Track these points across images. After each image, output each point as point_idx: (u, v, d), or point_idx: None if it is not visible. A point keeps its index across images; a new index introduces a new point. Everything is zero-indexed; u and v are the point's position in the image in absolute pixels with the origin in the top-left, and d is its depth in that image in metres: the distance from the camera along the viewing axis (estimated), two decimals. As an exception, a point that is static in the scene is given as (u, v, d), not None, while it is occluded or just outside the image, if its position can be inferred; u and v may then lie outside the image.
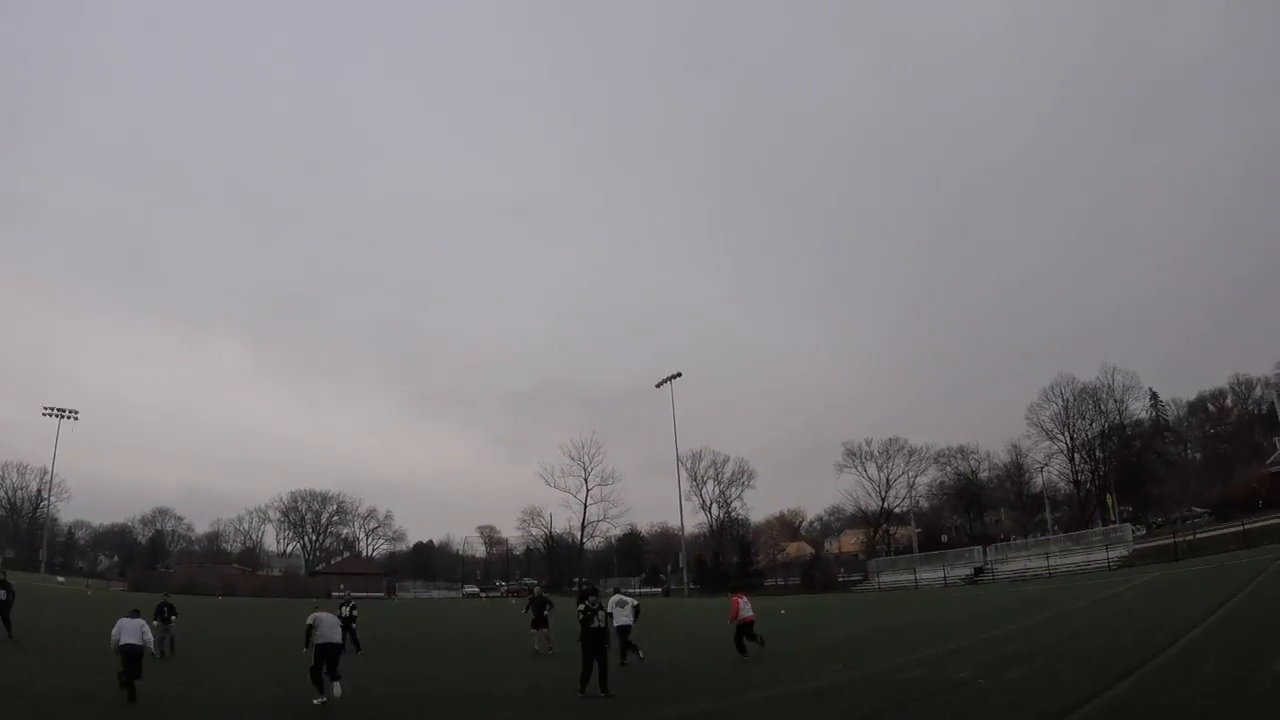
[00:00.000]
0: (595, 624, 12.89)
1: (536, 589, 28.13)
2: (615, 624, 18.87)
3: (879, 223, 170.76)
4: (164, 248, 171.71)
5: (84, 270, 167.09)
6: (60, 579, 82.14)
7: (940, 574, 57.18)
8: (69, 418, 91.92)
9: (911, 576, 59.34)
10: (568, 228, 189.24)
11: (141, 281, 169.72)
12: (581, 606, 13.11)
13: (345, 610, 22.21)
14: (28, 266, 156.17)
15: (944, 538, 77.76)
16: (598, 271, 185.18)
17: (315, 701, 12.53)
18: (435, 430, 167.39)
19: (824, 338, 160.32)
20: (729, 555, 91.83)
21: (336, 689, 12.98)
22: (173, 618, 19.77)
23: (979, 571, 56.73)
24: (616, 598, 19.74)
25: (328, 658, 13.13)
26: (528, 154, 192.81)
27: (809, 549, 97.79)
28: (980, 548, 63.85)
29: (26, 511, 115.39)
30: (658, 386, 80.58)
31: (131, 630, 13.49)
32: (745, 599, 19.33)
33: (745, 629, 18.48)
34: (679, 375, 78.66)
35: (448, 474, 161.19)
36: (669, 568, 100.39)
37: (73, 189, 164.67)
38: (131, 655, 13.14)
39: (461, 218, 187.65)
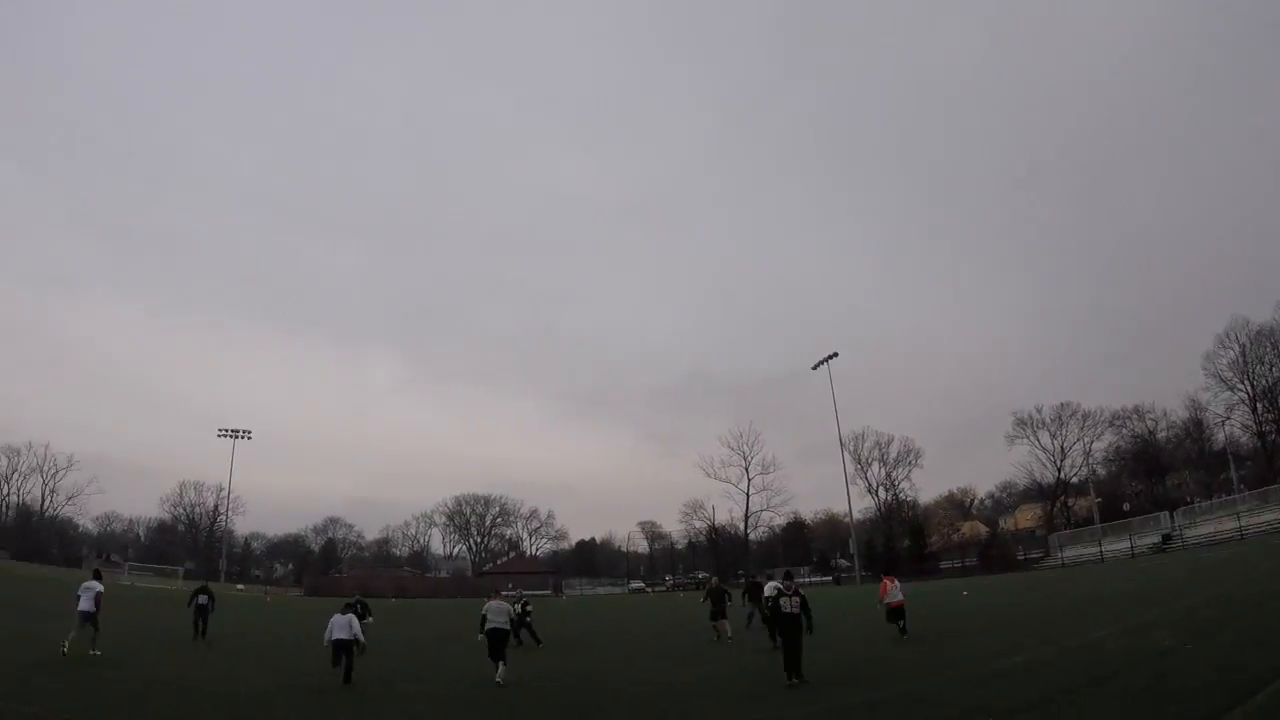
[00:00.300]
0: (788, 609, 13.35)
1: (714, 580, 27.90)
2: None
3: (1022, 174, 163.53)
4: (314, 272, 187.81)
5: (245, 300, 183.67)
6: (239, 587, 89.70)
7: (1126, 544, 54.89)
8: (243, 438, 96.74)
9: (1095, 549, 57.39)
10: (698, 218, 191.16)
11: (298, 306, 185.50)
12: (773, 593, 14.04)
13: (519, 608, 24.07)
14: (192, 299, 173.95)
15: (1126, 506, 74.07)
16: (733, 260, 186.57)
17: (496, 679, 14.82)
18: (585, 430, 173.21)
19: (979, 304, 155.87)
20: (899, 539, 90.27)
21: (500, 670, 15.17)
22: (368, 617, 20.79)
23: (1167, 539, 54.19)
24: (772, 585, 22.19)
25: (495, 642, 15.63)
26: (652, 148, 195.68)
27: (983, 528, 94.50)
28: (1166, 513, 60.51)
29: (204, 526, 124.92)
30: (814, 368, 79.04)
31: (341, 626, 15.60)
32: (896, 582, 20.31)
33: (894, 613, 19.29)
34: (835, 355, 76.75)
35: (603, 472, 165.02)
36: (837, 555, 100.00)
37: (224, 223, 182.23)
38: (341, 648, 15.37)
39: (592, 218, 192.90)
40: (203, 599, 24.24)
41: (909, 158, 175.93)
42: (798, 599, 13.48)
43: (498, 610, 16.29)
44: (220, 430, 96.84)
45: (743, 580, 29.63)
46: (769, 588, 23.17)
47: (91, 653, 17.41)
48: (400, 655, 21.20)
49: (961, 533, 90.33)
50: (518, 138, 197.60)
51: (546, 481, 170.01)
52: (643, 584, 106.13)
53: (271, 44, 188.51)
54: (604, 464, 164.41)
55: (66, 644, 17.12)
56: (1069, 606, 24.34)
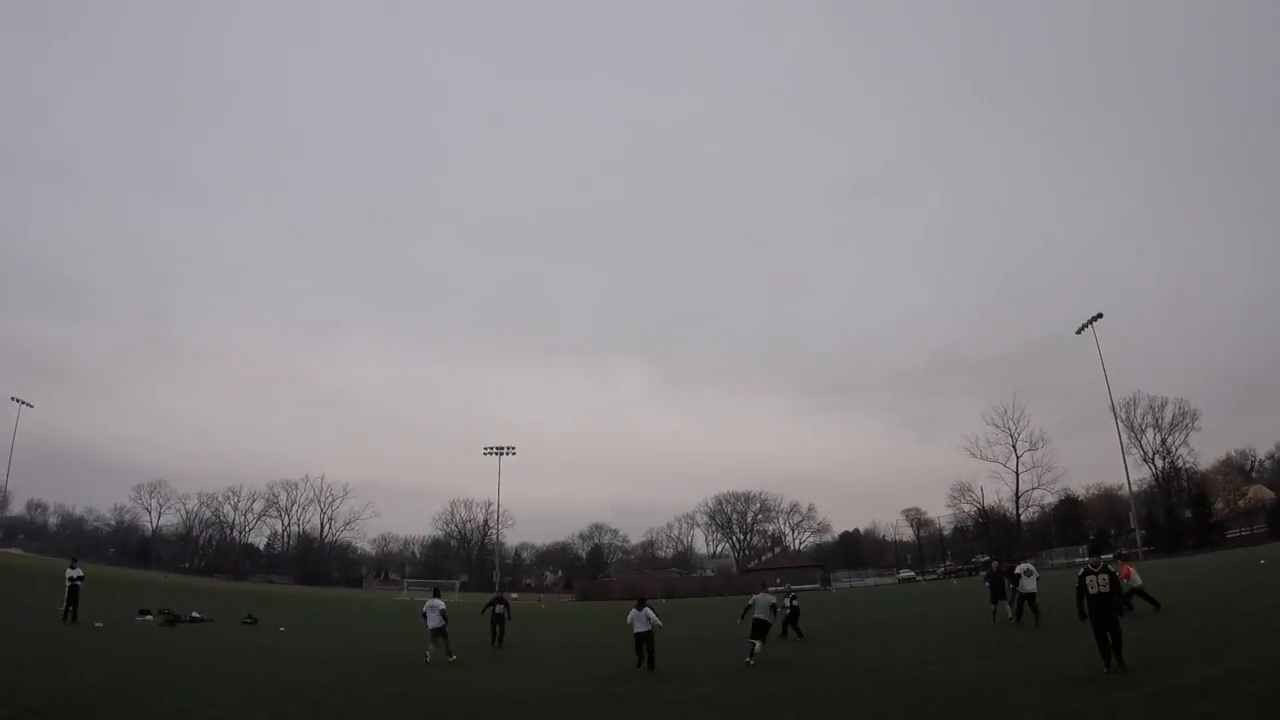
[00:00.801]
0: (1097, 589, 12.56)
1: (994, 563, 28.39)
2: (1022, 590, 23.04)
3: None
4: (557, 293, 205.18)
5: (498, 326, 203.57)
6: (514, 595, 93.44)
7: None
8: (508, 454, 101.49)
9: None
10: (930, 189, 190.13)
11: (545, 328, 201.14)
12: (1080, 572, 12.78)
13: (788, 602, 25.62)
14: (448, 331, 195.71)
15: None
16: (970, 229, 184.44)
17: (746, 659, 18.35)
18: (837, 420, 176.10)
19: (1252, 246, 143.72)
20: (1180, 509, 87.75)
21: (756, 647, 18.81)
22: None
23: None
24: (1024, 566, 24.40)
25: (757, 630, 19.27)
26: (872, 121, 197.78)
27: (1267, 492, 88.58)
28: None
29: (476, 540, 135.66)
30: (1078, 332, 75.90)
31: (640, 619, 18.62)
32: (1133, 569, 22.33)
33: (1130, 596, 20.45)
34: (1100, 316, 73.21)
35: (860, 462, 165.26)
36: (1112, 531, 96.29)
37: (466, 261, 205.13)
38: (643, 638, 18.52)
39: (820, 203, 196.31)
40: (499, 608, 26.49)
41: (1151, 83, 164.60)
42: (1106, 576, 12.63)
43: (763, 605, 19.71)
44: (486, 448, 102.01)
45: (994, 567, 26.61)
46: (1021, 569, 24.27)
47: (449, 658, 20.33)
48: (687, 651, 22.70)
49: (1248, 498, 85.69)
50: (733, 132, 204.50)
51: (804, 475, 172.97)
52: (913, 572, 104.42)
53: (482, 77, 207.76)
54: (860, 453, 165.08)
55: (429, 654, 20.24)
56: None
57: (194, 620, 32.20)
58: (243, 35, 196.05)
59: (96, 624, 26.32)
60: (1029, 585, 22.88)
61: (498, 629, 25.85)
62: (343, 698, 14.58)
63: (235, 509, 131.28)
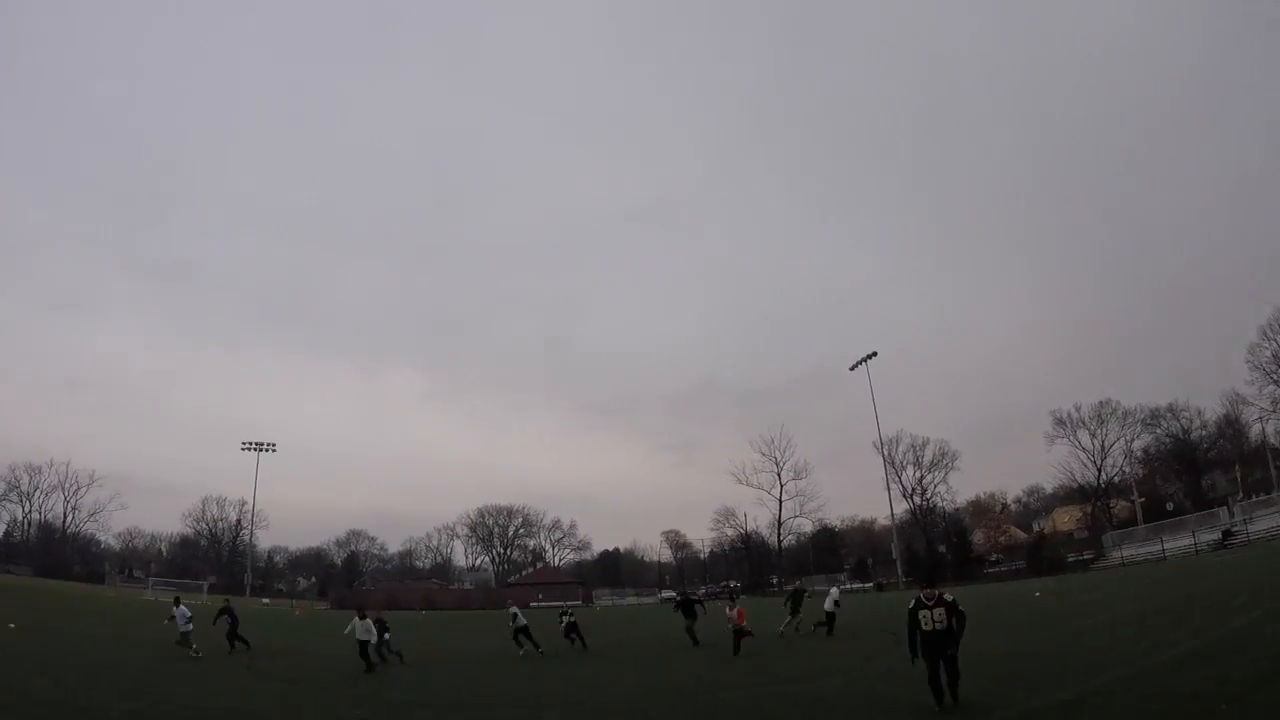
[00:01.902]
0: (932, 625, 11.01)
1: (798, 583, 31.77)
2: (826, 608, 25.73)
3: (1037, 176, 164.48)
4: (332, 290, 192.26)
5: (264, 317, 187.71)
6: (265, 600, 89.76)
7: (1189, 541, 54.54)
8: (267, 450, 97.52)
9: (1153, 547, 56.89)
10: (708, 222, 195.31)
11: (317, 322, 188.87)
12: (910, 604, 11.43)
13: (564, 619, 26.98)
14: (211, 317, 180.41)
15: (1169, 505, 73.67)
16: (743, 265, 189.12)
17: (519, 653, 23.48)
18: (604, 440, 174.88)
19: (1004, 303, 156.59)
20: (937, 543, 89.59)
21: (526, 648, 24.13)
22: (386, 633, 23.04)
23: (1228, 534, 53.72)
24: (835, 591, 26.54)
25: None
26: (658, 154, 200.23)
27: (1019, 532, 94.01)
28: (1224, 508, 60.19)
29: (227, 540, 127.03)
30: (851, 369, 77.91)
31: (362, 629, 21.16)
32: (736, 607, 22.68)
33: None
34: (874, 355, 75.48)
35: (623, 482, 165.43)
36: (869, 561, 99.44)
37: (239, 243, 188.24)
38: (365, 645, 20.93)
39: (600, 230, 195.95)
40: (225, 617, 26.37)
41: (923, 155, 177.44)
42: (942, 610, 10.97)
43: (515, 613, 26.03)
44: (244, 443, 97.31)
45: (793, 587, 30.19)
46: (833, 595, 26.40)
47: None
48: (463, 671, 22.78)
49: (1009, 535, 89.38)
50: (526, 150, 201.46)
51: (568, 492, 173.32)
52: (674, 593, 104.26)
53: (280, 65, 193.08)
54: (624, 474, 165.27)
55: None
56: (1179, 601, 23.18)
57: None
58: None
59: None
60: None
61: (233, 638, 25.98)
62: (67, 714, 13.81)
63: None
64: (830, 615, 25.36)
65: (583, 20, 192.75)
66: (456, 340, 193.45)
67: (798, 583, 32.13)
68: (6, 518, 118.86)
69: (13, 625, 29.24)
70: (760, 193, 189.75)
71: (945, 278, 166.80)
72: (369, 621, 21.35)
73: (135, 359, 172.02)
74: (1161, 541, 56.98)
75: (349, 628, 21.54)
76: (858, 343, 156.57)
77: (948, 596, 11.23)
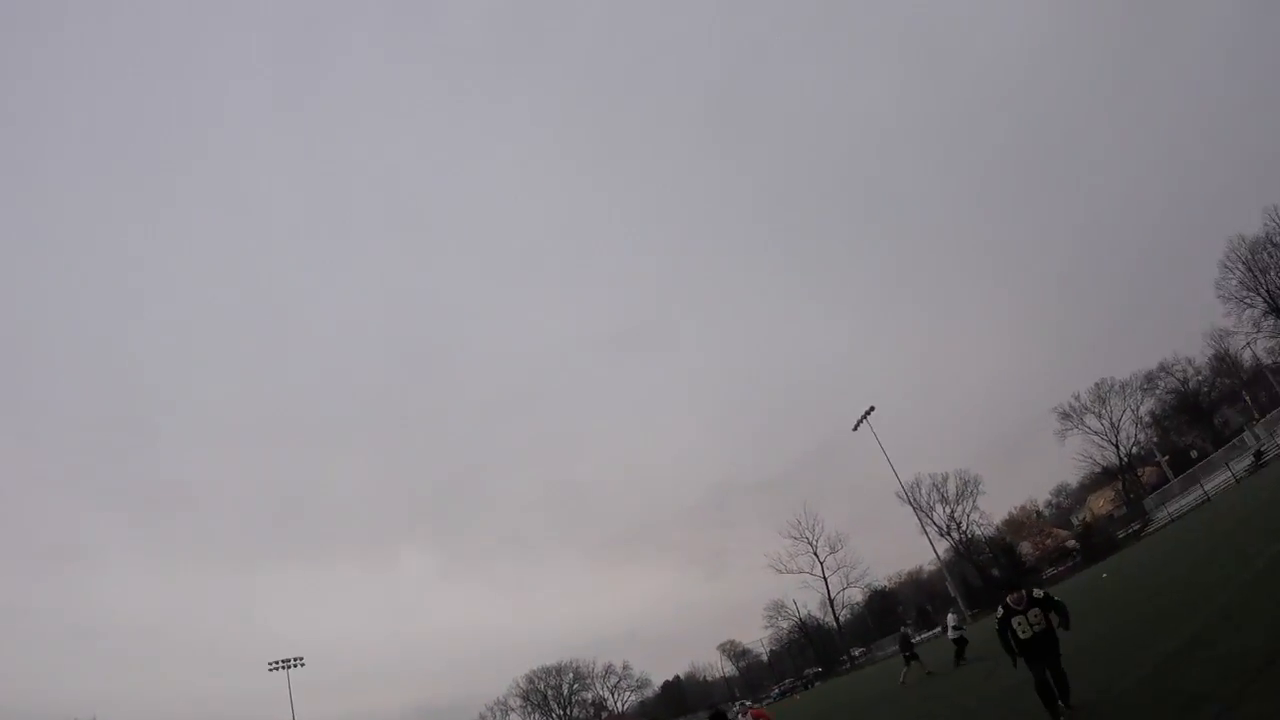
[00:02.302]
0: (1030, 630, 10.26)
1: (904, 629, 32.31)
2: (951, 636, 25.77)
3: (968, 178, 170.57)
4: (325, 487, 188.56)
5: (264, 529, 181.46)
6: None
7: (1225, 475, 53.67)
8: (295, 666, 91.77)
9: (1198, 494, 55.84)
10: (680, 336, 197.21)
11: (318, 524, 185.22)
12: (998, 613, 10.72)
13: None
14: (212, 541, 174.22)
15: (1193, 453, 73.34)
16: (723, 361, 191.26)
17: None
18: (632, 570, 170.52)
19: (983, 320, 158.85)
20: (988, 567, 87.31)
21: None
22: None
23: (1259, 455, 53.26)
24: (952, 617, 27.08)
25: None
26: (618, 283, 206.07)
27: (1061, 532, 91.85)
28: (1246, 433, 60.08)
29: None
30: (854, 429, 77.26)
31: None
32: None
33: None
34: (873, 409, 75.02)
35: (662, 608, 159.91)
36: (929, 607, 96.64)
37: (224, 461, 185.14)
38: None
39: (579, 364, 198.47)
40: None
41: (861, 208, 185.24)
42: (1036, 610, 10.23)
43: None
44: (271, 663, 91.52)
45: (901, 633, 30.44)
46: (951, 621, 26.51)
47: None
48: None
49: (1057, 536, 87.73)
50: (489, 294, 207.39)
51: (611, 633, 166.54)
52: (748, 701, 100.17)
53: (237, 263, 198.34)
54: (661, 598, 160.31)
55: None
56: (1231, 528, 22.93)
57: None
58: None
59: None
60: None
61: None
62: None
63: None
64: (959, 641, 25.15)
65: (525, 160, 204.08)
66: (460, 508, 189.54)
67: (903, 629, 33.15)
68: None
69: None
70: (728, 290, 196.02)
71: (919, 314, 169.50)
72: None
73: (138, 598, 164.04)
74: (1200, 485, 56.13)
75: None
76: (855, 405, 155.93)
77: (1037, 593, 10.31)
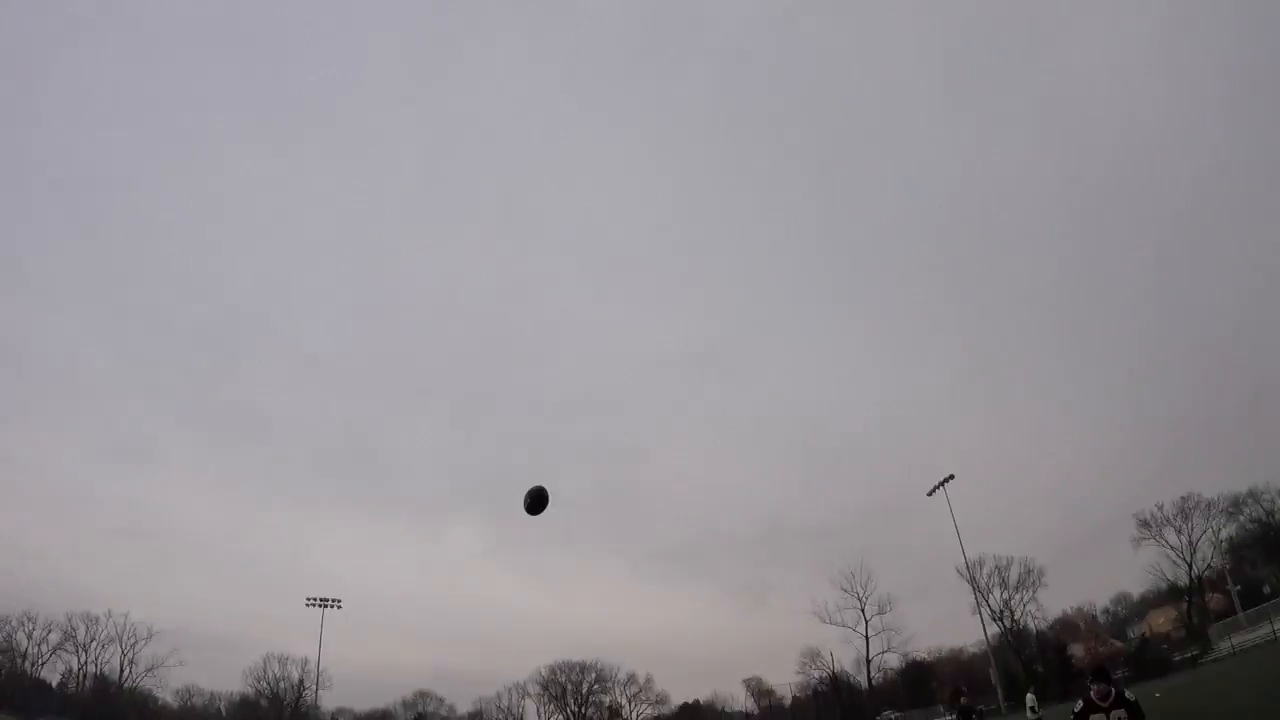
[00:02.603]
0: None
1: (963, 699, 29.79)
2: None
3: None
4: (392, 446, 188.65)
5: (328, 473, 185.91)
6: None
7: (1299, 620, 53.12)
8: (332, 606, 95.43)
9: (1265, 631, 55.16)
10: (767, 366, 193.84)
11: (380, 479, 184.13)
12: (1076, 707, 9.97)
13: None
14: (278, 475, 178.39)
15: (1266, 588, 71.69)
16: (799, 404, 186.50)
17: None
18: (672, 588, 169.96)
19: (1076, 409, 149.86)
20: (1034, 663, 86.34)
21: None
22: None
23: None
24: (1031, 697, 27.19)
25: None
26: (707, 302, 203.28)
27: (1116, 643, 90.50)
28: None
29: (289, 701, 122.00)
30: (929, 494, 75.56)
31: None
32: None
33: None
34: (952, 478, 72.62)
35: (696, 631, 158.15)
36: (963, 688, 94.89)
37: (300, 400, 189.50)
38: None
39: (656, 377, 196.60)
40: None
41: (963, 263, 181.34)
42: (1122, 712, 9.26)
43: None
44: (309, 599, 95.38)
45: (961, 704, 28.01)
46: (1030, 701, 27.04)
47: None
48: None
49: (1110, 645, 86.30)
50: (572, 295, 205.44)
51: (641, 643, 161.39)
52: None
53: (344, 222, 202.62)
54: (697, 621, 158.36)
55: None
56: None
57: None
58: (96, 126, 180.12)
59: None
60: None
61: None
62: None
63: (29, 637, 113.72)
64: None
65: (630, 171, 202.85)
66: (519, 493, 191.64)
67: (963, 700, 29.72)
68: (61, 668, 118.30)
69: None
70: (812, 326, 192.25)
71: (1008, 388, 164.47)
72: None
73: (197, 509, 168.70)
74: (1271, 623, 55.39)
75: None
76: (926, 468, 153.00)
77: (1129, 695, 9.04)
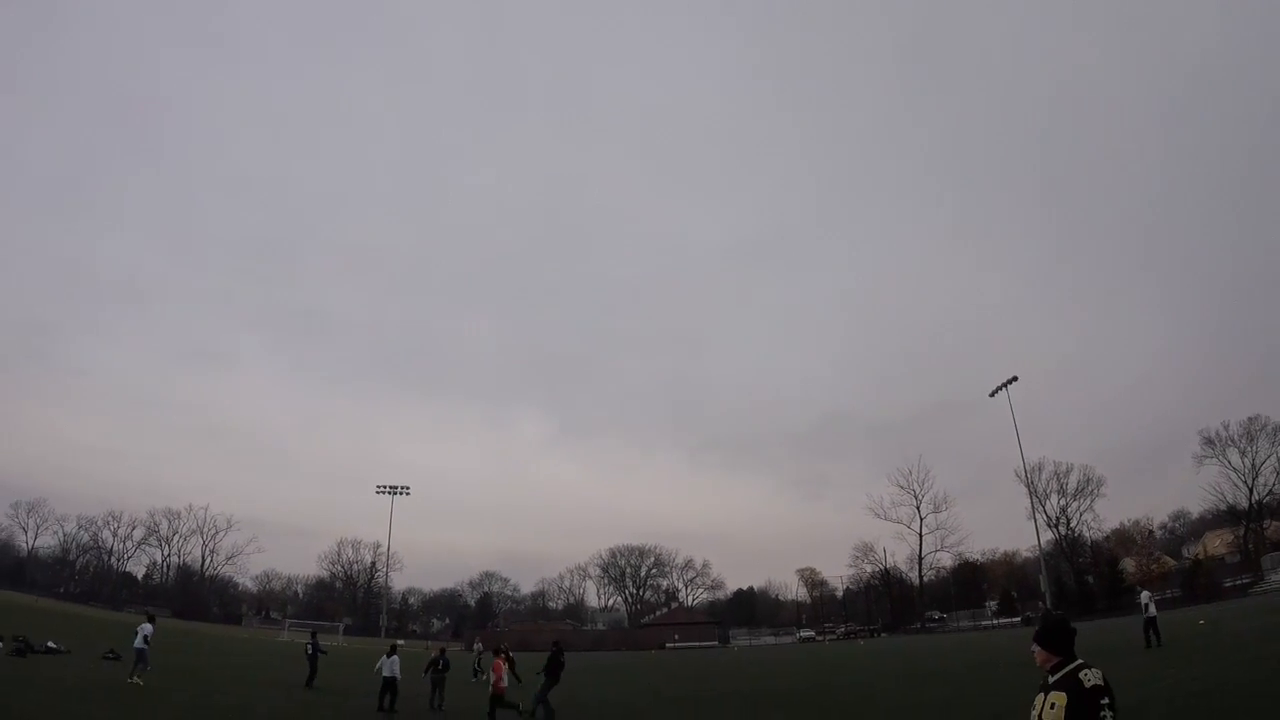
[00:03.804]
0: None
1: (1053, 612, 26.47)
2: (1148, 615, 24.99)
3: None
4: (455, 336, 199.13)
5: (392, 366, 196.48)
6: (400, 642, 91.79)
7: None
8: (401, 493, 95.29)
9: (1319, 566, 56.59)
10: (825, 255, 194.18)
11: (444, 370, 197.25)
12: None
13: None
14: (342, 367, 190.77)
15: (1325, 521, 72.14)
16: (863, 295, 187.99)
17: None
18: (731, 478, 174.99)
19: (1144, 319, 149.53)
20: (1084, 574, 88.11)
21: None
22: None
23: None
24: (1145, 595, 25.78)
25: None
26: (771, 186, 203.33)
27: (1169, 560, 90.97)
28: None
29: (362, 583, 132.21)
30: (992, 395, 72.05)
31: (388, 665, 20.70)
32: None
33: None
34: (1015, 380, 69.47)
35: (754, 520, 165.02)
36: (1014, 594, 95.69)
37: (361, 296, 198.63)
38: (389, 683, 20.47)
39: (718, 265, 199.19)
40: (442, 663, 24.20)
41: (1052, 168, 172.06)
42: (1062, 696, 5.82)
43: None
44: (379, 487, 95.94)
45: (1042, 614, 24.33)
46: (1144, 598, 26.31)
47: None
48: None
49: (1162, 563, 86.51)
50: (637, 187, 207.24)
51: (699, 531, 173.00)
52: (812, 632, 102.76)
53: (394, 117, 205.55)
54: (754, 511, 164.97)
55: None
56: None
57: (49, 651, 30.17)
58: (147, 47, 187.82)
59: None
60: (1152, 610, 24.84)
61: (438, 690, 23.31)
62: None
63: (115, 535, 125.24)
64: (1152, 621, 24.81)
65: (691, 54, 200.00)
66: (580, 383, 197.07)
67: (1042, 607, 27.99)
68: (147, 561, 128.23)
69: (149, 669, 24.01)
70: (883, 220, 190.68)
71: (1080, 296, 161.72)
72: (395, 658, 20.99)
73: (269, 406, 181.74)
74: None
75: (377, 665, 21.46)
76: (990, 370, 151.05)
77: (1087, 677, 4.39)
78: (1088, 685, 4.24)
